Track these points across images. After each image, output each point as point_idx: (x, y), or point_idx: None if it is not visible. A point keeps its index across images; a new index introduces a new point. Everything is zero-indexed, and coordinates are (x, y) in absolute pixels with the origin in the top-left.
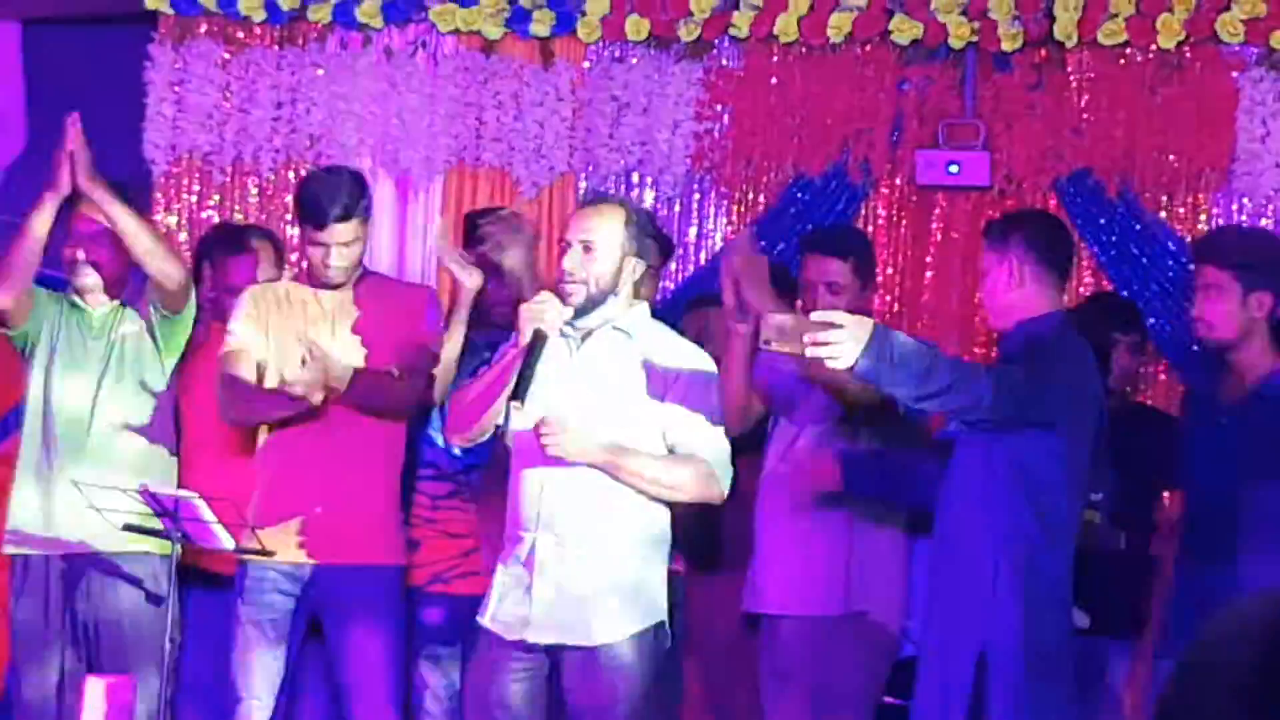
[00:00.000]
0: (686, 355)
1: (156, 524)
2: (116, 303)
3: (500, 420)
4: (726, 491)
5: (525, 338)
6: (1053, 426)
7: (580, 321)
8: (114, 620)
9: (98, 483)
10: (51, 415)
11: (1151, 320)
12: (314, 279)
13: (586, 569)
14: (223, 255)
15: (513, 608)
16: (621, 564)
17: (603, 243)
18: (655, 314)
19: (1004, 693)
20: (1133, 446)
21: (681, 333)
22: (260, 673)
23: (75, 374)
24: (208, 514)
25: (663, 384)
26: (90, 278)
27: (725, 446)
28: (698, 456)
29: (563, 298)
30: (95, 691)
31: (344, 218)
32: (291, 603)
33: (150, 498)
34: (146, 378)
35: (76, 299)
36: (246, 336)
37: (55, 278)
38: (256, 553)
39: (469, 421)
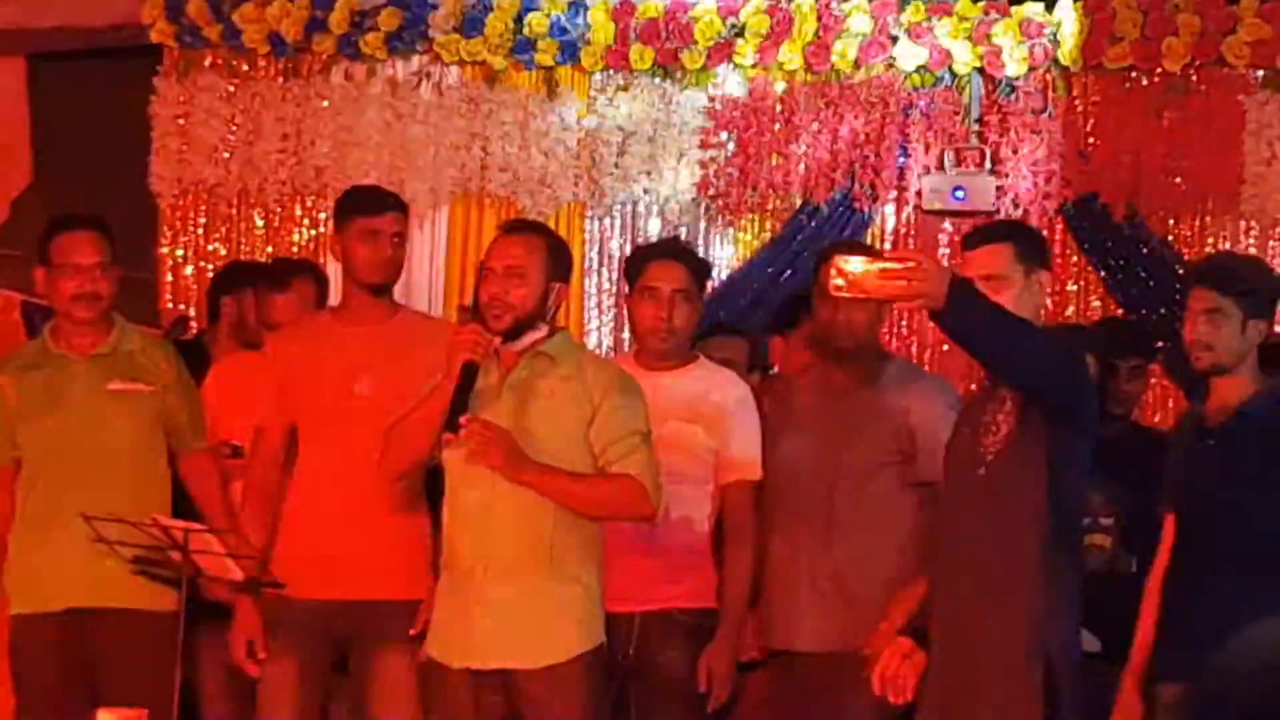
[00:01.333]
0: (612, 375)
1: (166, 557)
2: (107, 346)
3: (436, 452)
4: (658, 509)
5: (454, 369)
6: (1083, 432)
7: (506, 347)
8: (123, 656)
9: (106, 518)
10: (50, 469)
11: (1159, 343)
12: (348, 303)
13: (527, 594)
14: (267, 291)
15: (457, 636)
16: (563, 587)
17: (527, 269)
18: None
19: (1069, 703)
20: (1141, 470)
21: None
22: (290, 709)
23: (68, 424)
24: (218, 545)
25: (590, 405)
26: (90, 311)
27: (655, 465)
28: (628, 475)
29: (489, 324)
30: None
31: (398, 206)
32: (319, 636)
33: (161, 530)
34: (174, 434)
35: (55, 348)
36: (271, 411)
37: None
38: (268, 584)
39: (404, 457)
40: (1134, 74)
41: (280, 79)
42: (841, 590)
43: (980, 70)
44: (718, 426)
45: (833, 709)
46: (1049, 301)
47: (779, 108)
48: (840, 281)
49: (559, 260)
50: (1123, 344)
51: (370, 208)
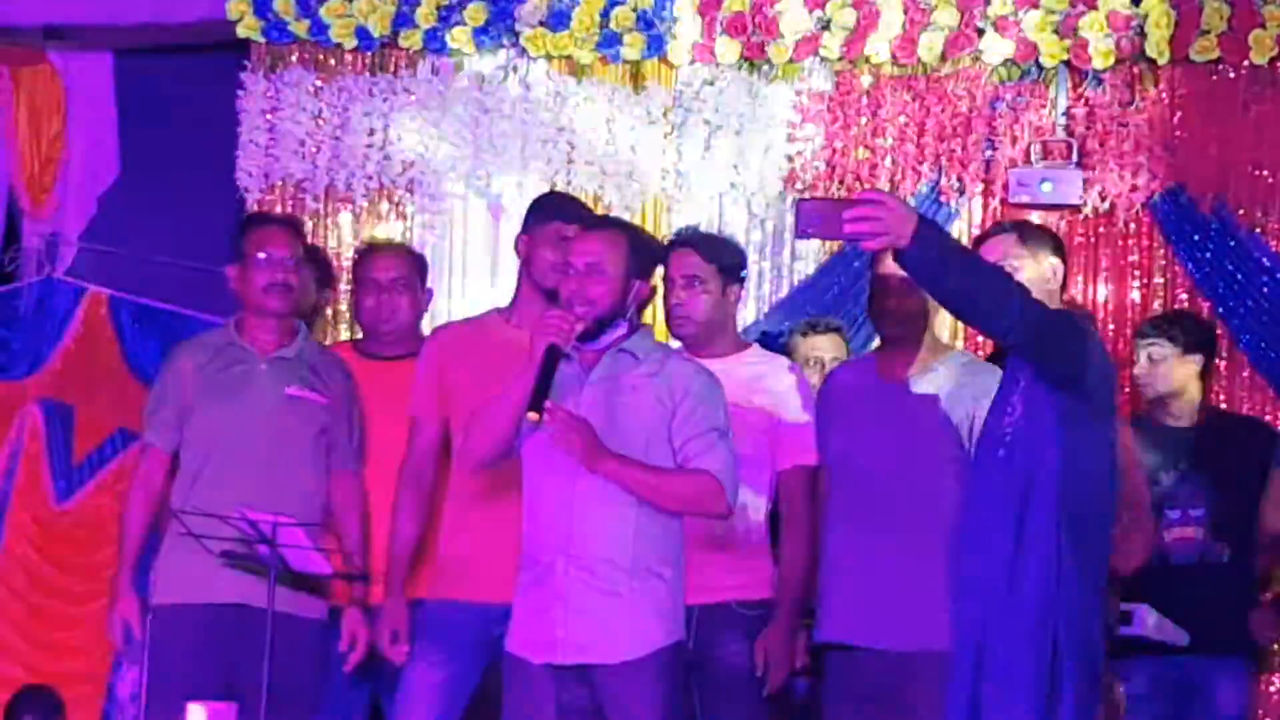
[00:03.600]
0: (692, 373)
1: (254, 551)
2: (291, 351)
3: (517, 441)
4: (734, 505)
5: (538, 353)
6: (1093, 404)
7: (588, 345)
8: (261, 657)
9: (194, 512)
10: (216, 462)
11: (1247, 336)
12: (520, 304)
13: (608, 588)
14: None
15: (539, 631)
16: (645, 581)
17: (606, 264)
18: (748, 335)
19: (1073, 686)
20: (1231, 459)
21: (791, 356)
22: (429, 714)
23: (242, 419)
24: (306, 540)
25: (670, 402)
26: (283, 303)
27: (732, 461)
28: (705, 471)
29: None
30: (196, 718)
31: (603, 225)
32: (472, 643)
33: (249, 524)
34: (332, 449)
35: (241, 342)
36: (429, 404)
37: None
38: (356, 578)
39: (486, 445)
40: (1221, 66)
41: (367, 74)
42: (901, 588)
43: (1067, 63)
44: (771, 412)
45: (897, 708)
46: (1137, 294)
47: (865, 101)
48: (806, 226)
49: (641, 257)
50: (1145, 328)
51: (567, 214)
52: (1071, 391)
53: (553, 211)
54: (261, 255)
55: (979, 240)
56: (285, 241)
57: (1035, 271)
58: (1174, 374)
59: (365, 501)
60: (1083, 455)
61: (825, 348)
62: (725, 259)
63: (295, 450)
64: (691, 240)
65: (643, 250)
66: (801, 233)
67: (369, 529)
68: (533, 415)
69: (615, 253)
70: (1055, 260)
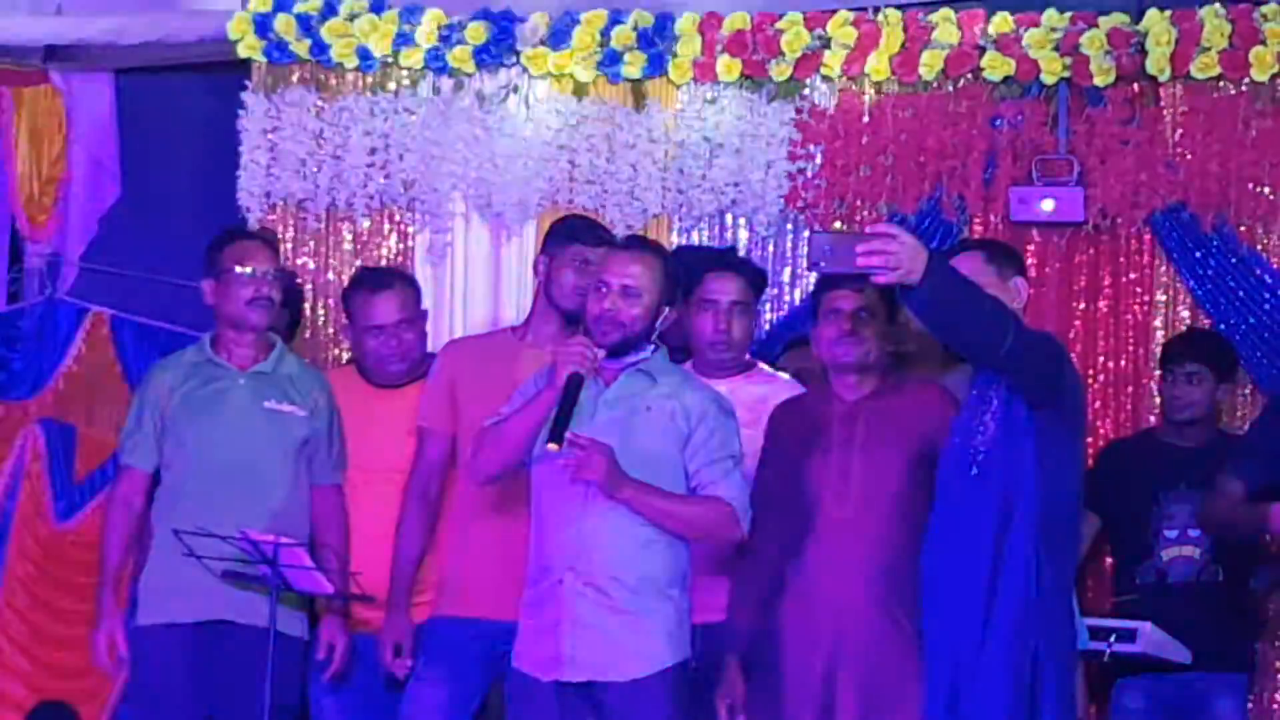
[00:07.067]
0: (708, 398)
1: (256, 571)
2: (268, 365)
3: (527, 458)
4: (746, 532)
5: (561, 380)
6: (1071, 423)
7: (611, 364)
8: (249, 675)
9: (195, 531)
10: (198, 480)
11: (1249, 354)
12: (534, 323)
13: (616, 607)
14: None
15: (545, 648)
16: (649, 601)
17: (642, 288)
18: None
19: (1054, 690)
20: None
21: (784, 371)
22: None
23: (221, 435)
24: (308, 560)
25: (686, 426)
26: (264, 317)
27: (746, 488)
28: (719, 497)
29: (598, 338)
30: None
31: (612, 243)
32: (477, 661)
33: (250, 544)
34: (313, 463)
35: (217, 358)
36: (438, 418)
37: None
38: (359, 598)
39: (497, 462)
40: (1222, 83)
41: (368, 93)
42: None
43: (1068, 81)
44: None
45: None
46: (1138, 309)
47: (866, 119)
48: (817, 259)
49: (670, 283)
50: (1179, 350)
51: (589, 238)
52: (1049, 410)
53: (575, 234)
54: (242, 270)
55: (946, 252)
56: (266, 256)
57: (1002, 291)
58: (1210, 400)
59: (346, 515)
60: (1059, 470)
61: (799, 360)
62: (762, 284)
63: (277, 464)
64: (737, 265)
65: (672, 275)
66: (813, 265)
67: (349, 543)
68: (553, 446)
69: (651, 276)
70: (1020, 279)
